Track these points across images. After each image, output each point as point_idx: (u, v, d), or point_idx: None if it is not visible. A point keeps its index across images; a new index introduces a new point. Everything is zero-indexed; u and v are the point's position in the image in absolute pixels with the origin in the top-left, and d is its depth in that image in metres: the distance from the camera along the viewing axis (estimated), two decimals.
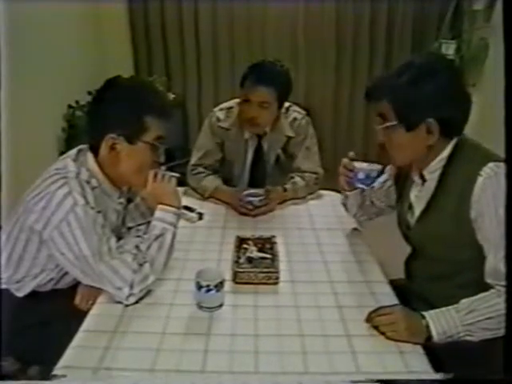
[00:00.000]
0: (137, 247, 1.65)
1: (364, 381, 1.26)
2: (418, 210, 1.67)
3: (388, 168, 1.93)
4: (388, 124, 1.56)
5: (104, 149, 1.65)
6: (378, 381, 1.25)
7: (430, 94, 1.48)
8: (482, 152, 1.53)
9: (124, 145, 1.64)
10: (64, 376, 1.26)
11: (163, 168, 1.80)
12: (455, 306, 1.41)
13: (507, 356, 1.18)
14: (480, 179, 1.44)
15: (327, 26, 4.46)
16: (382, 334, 1.45)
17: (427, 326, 1.40)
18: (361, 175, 1.77)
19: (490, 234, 1.43)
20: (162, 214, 1.71)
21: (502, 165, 1.39)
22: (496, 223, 1.40)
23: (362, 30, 4.48)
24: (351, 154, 1.86)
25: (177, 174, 1.83)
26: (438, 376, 1.30)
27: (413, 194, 1.71)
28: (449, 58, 3.83)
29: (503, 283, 1.37)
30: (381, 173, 1.81)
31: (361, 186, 1.82)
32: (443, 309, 1.42)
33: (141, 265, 1.59)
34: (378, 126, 1.60)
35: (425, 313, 1.43)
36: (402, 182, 1.82)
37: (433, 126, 1.50)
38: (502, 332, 1.32)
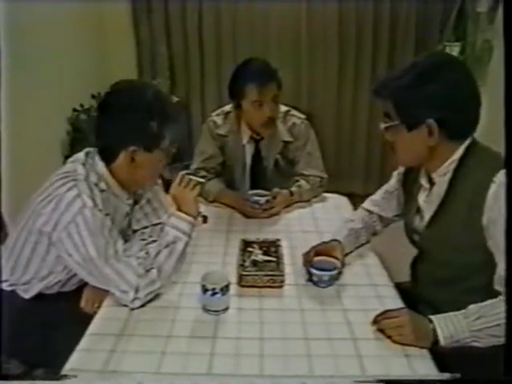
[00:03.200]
0: (146, 252, 1.66)
1: (368, 380, 1.26)
2: (427, 215, 1.65)
3: (395, 174, 1.92)
4: (390, 123, 1.57)
5: (123, 160, 1.66)
6: (381, 380, 1.25)
7: (432, 96, 1.47)
8: (494, 157, 1.50)
9: (142, 154, 1.65)
10: (74, 376, 1.27)
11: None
12: (463, 311, 1.41)
13: (507, 357, 1.18)
14: (493, 186, 1.42)
15: (330, 28, 4.47)
16: (389, 337, 1.44)
17: (434, 330, 1.39)
18: (314, 277, 1.73)
19: (501, 241, 1.40)
20: (177, 222, 1.69)
21: None
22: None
23: (364, 33, 4.49)
24: (312, 253, 1.80)
25: (202, 180, 1.83)
26: (442, 376, 1.30)
27: (421, 199, 1.69)
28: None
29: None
30: (337, 275, 1.73)
31: (315, 284, 1.76)
32: (451, 313, 1.41)
33: (147, 270, 1.59)
34: (382, 125, 1.60)
35: (432, 317, 1.42)
36: (409, 186, 1.80)
37: (433, 127, 1.49)
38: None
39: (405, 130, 1.54)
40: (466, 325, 1.38)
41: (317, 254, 1.80)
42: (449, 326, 1.39)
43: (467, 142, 1.54)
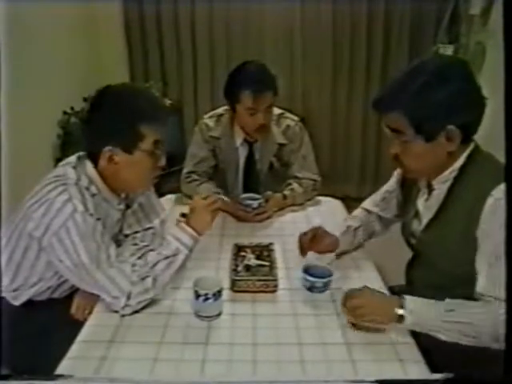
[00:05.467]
0: (142, 257, 1.65)
1: (364, 380, 1.26)
2: (425, 219, 1.63)
3: (395, 174, 1.89)
4: (406, 138, 1.48)
5: (102, 161, 1.63)
6: (376, 381, 1.24)
7: (446, 101, 1.40)
8: (495, 167, 1.45)
9: (122, 155, 1.61)
10: (71, 376, 1.26)
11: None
12: (439, 302, 1.43)
13: (507, 356, 1.17)
14: (491, 200, 1.39)
15: (324, 30, 4.47)
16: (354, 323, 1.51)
17: (402, 308, 1.42)
18: (307, 283, 1.71)
19: (488, 256, 1.41)
20: (180, 234, 1.67)
21: None
22: (497, 246, 1.37)
23: (359, 34, 4.49)
24: (309, 235, 1.82)
25: (226, 199, 1.77)
26: (438, 376, 1.29)
27: (419, 203, 1.67)
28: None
29: (492, 294, 1.39)
30: (328, 282, 1.71)
31: (308, 290, 1.74)
32: (426, 300, 1.44)
33: (143, 278, 1.57)
34: (395, 140, 1.52)
35: (407, 297, 1.44)
36: (408, 188, 1.78)
37: (454, 133, 1.43)
38: (477, 342, 1.37)
39: (422, 142, 1.46)
40: (437, 312, 1.41)
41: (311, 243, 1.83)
42: (418, 309, 1.42)
43: (469, 150, 1.51)
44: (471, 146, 1.51)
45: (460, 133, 1.43)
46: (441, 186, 1.56)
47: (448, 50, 3.88)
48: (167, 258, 1.63)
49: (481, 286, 1.43)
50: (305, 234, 1.82)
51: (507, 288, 1.27)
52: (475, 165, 1.50)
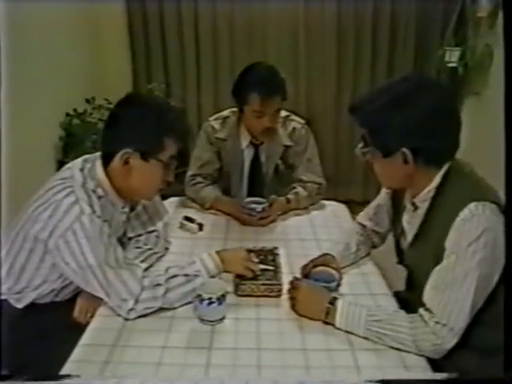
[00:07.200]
0: (167, 269, 1.66)
1: (366, 380, 1.25)
2: (409, 236, 1.64)
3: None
4: (365, 150, 1.54)
5: (117, 161, 1.63)
6: (378, 381, 1.24)
7: (406, 124, 1.42)
8: (469, 186, 1.47)
9: (138, 161, 1.62)
10: (78, 376, 1.26)
11: None
12: (373, 310, 1.52)
13: (507, 356, 1.17)
14: (457, 220, 1.40)
15: (328, 34, 4.46)
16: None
17: (334, 310, 1.51)
18: None
19: (445, 272, 1.42)
20: (207, 260, 1.72)
21: (485, 205, 1.38)
22: (453, 265, 1.39)
23: (363, 38, 4.48)
24: (310, 266, 1.80)
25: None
26: (439, 376, 1.31)
27: (405, 220, 1.67)
28: (451, 66, 3.86)
29: (427, 307, 1.43)
30: (335, 287, 1.68)
31: None
32: (360, 305, 1.52)
33: (154, 285, 1.58)
34: (357, 148, 1.57)
35: (341, 301, 1.53)
36: (397, 203, 1.77)
37: (408, 156, 1.44)
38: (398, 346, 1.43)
39: (380, 156, 1.51)
40: (365, 322, 1.47)
41: (315, 267, 1.78)
42: (348, 315, 1.50)
43: (444, 169, 1.50)
44: (446, 167, 1.50)
45: (413, 157, 1.44)
46: (422, 204, 1.56)
47: (455, 53, 3.88)
48: (186, 275, 1.64)
49: (425, 298, 1.47)
50: (306, 265, 1.80)
51: (506, 284, 1.27)
52: (450, 185, 1.49)
